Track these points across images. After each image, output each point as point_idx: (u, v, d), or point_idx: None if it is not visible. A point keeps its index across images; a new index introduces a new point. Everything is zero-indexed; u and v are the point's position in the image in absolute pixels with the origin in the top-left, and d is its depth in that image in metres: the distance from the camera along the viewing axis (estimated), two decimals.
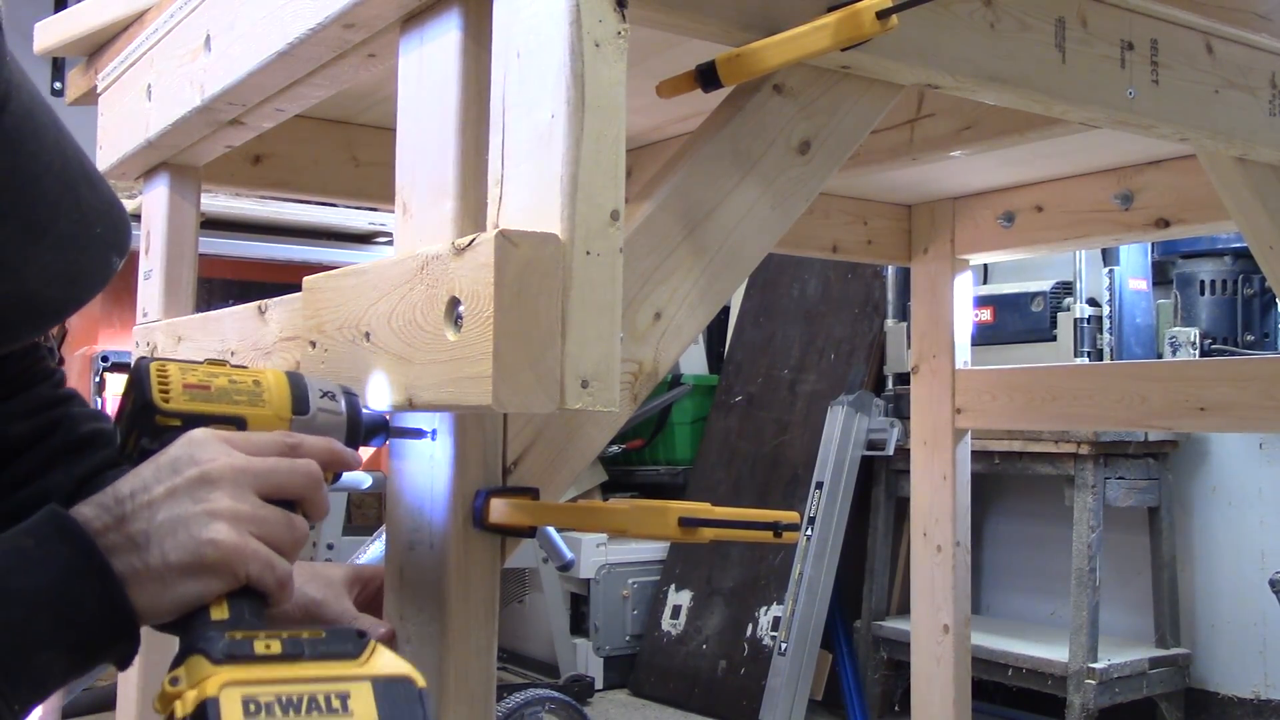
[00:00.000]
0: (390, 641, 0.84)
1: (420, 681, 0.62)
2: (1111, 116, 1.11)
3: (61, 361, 3.05)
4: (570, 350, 0.68)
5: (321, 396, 0.79)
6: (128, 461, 0.74)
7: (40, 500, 0.96)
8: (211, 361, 0.79)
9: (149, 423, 0.74)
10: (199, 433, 0.72)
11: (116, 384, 2.86)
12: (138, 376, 0.75)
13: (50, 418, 1.01)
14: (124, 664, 0.69)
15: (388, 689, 0.60)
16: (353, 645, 0.62)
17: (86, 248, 0.70)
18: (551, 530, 3.09)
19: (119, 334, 3.09)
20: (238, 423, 0.76)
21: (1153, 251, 3.34)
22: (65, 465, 0.98)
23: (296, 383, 0.79)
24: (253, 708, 0.57)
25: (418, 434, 0.84)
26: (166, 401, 0.74)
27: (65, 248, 0.68)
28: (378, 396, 0.80)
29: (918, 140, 1.46)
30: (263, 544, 0.69)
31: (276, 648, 0.61)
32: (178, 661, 0.62)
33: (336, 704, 0.59)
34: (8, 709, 0.62)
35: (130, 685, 1.47)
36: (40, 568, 0.65)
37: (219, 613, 0.67)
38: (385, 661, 0.62)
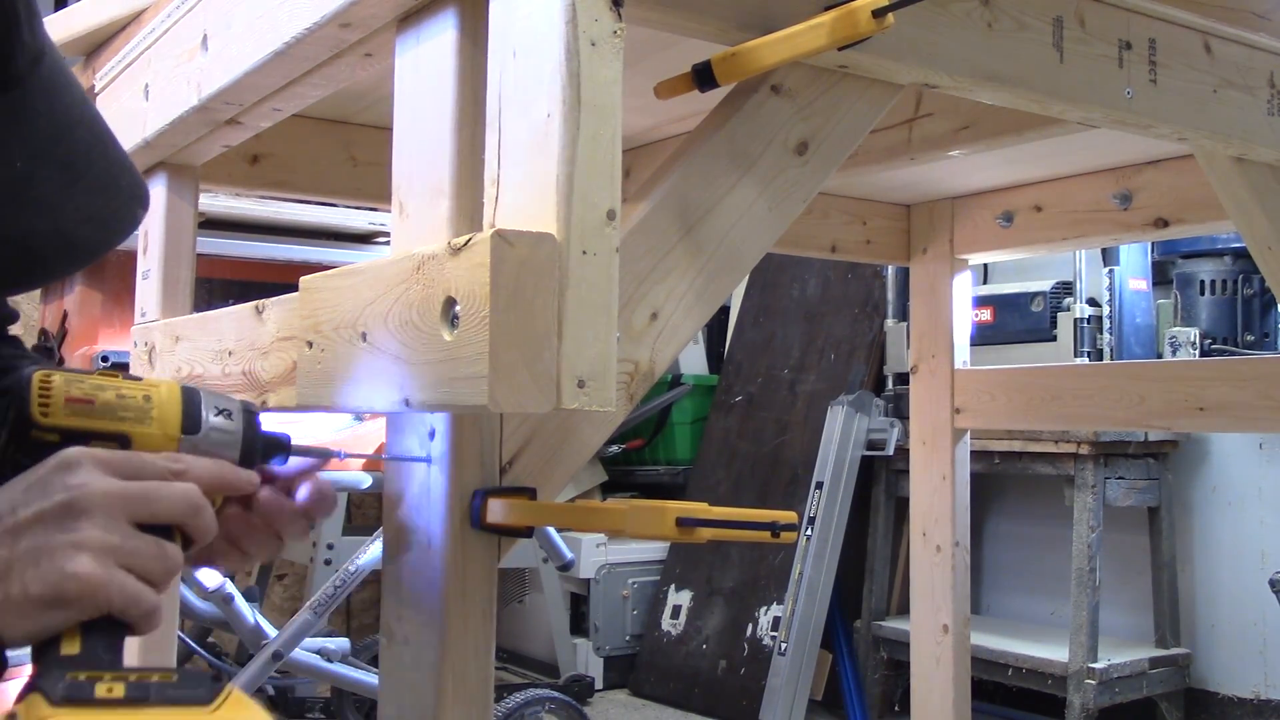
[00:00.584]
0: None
1: None
2: (1109, 116, 1.11)
3: (61, 361, 3.06)
4: (566, 350, 0.68)
5: (217, 414, 0.77)
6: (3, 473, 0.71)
7: None
8: (104, 372, 0.76)
9: (25, 438, 0.71)
10: (72, 452, 0.69)
11: None
12: (17, 390, 0.73)
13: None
14: None
15: None
16: (205, 690, 0.59)
17: (116, 195, 0.71)
18: (551, 530, 3.09)
19: (119, 334, 3.09)
20: (121, 440, 0.73)
21: (1153, 251, 3.34)
22: None
23: (190, 399, 0.76)
24: None
25: (323, 455, 0.82)
26: (45, 416, 0.72)
27: (97, 193, 0.69)
28: (375, 397, 0.80)
29: (916, 140, 1.46)
30: (130, 576, 0.67)
31: (120, 691, 0.58)
32: (19, 697, 0.59)
33: None
34: None
35: None
36: None
37: (70, 646, 0.64)
38: (237, 712, 0.59)
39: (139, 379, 0.76)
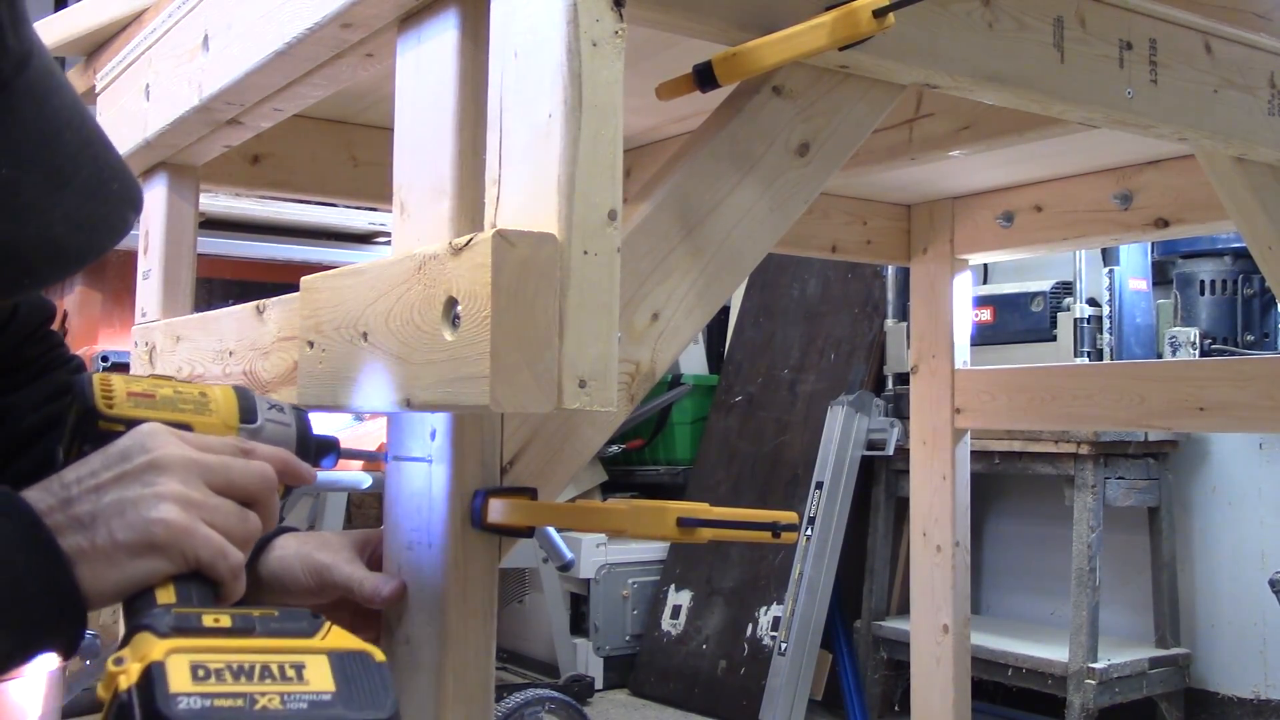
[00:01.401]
0: (401, 595, 0.83)
1: (379, 656, 0.60)
2: (1110, 116, 1.11)
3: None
4: (568, 350, 0.68)
5: (270, 409, 0.79)
6: None
7: None
8: (156, 376, 0.78)
9: (92, 428, 0.73)
10: (151, 425, 0.71)
11: None
12: (79, 387, 0.74)
13: (59, 407, 1.00)
14: (69, 649, 0.67)
15: (345, 660, 0.59)
16: (307, 624, 0.61)
17: (105, 200, 0.71)
18: (551, 530, 3.09)
19: (119, 334, 3.09)
20: (184, 429, 0.74)
21: (1153, 251, 3.34)
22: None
23: (244, 395, 0.78)
24: (201, 673, 0.55)
25: (370, 456, 0.84)
26: (110, 407, 0.73)
27: (86, 198, 0.70)
28: (376, 397, 0.80)
29: (917, 140, 1.46)
30: (214, 531, 0.68)
31: (226, 622, 0.59)
32: (123, 643, 0.60)
33: (291, 673, 0.57)
34: None
35: None
36: None
37: (165, 596, 0.65)
38: (343, 638, 0.60)
39: (190, 382, 0.79)
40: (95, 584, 0.65)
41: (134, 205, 0.74)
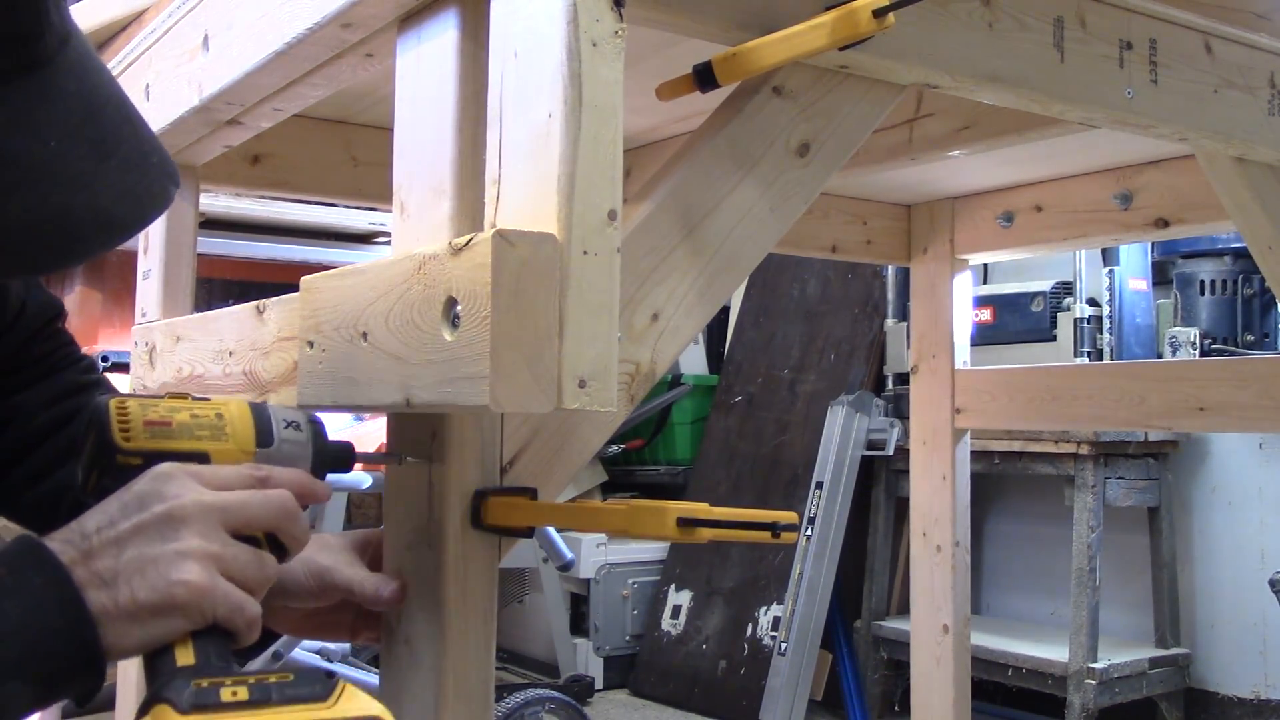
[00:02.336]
0: (402, 596, 0.84)
1: (389, 719, 0.61)
2: (1110, 116, 1.11)
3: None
4: (567, 350, 0.68)
5: (285, 427, 0.79)
6: (90, 500, 0.73)
7: (59, 494, 0.97)
8: (173, 395, 0.78)
9: (110, 462, 0.73)
10: (166, 467, 0.71)
11: (116, 384, 2.87)
12: (97, 416, 0.75)
13: (68, 407, 1.01)
14: (86, 700, 0.68)
15: None
16: (321, 687, 0.61)
17: (147, 171, 0.72)
18: (551, 530, 3.09)
19: (119, 334, 3.09)
20: (200, 458, 0.75)
21: (1153, 251, 3.34)
22: (78, 458, 0.98)
23: (260, 414, 0.78)
24: None
25: (386, 459, 0.84)
26: (128, 440, 0.73)
27: (129, 170, 0.71)
28: (376, 397, 0.80)
29: (917, 140, 1.46)
30: (233, 585, 0.68)
31: (244, 694, 0.60)
32: (144, 710, 0.61)
33: None
34: None
35: (129, 685, 1.47)
36: (12, 595, 0.64)
37: (184, 656, 0.66)
38: (354, 703, 0.61)
39: (206, 399, 0.78)
40: (117, 642, 0.66)
41: (173, 179, 0.75)
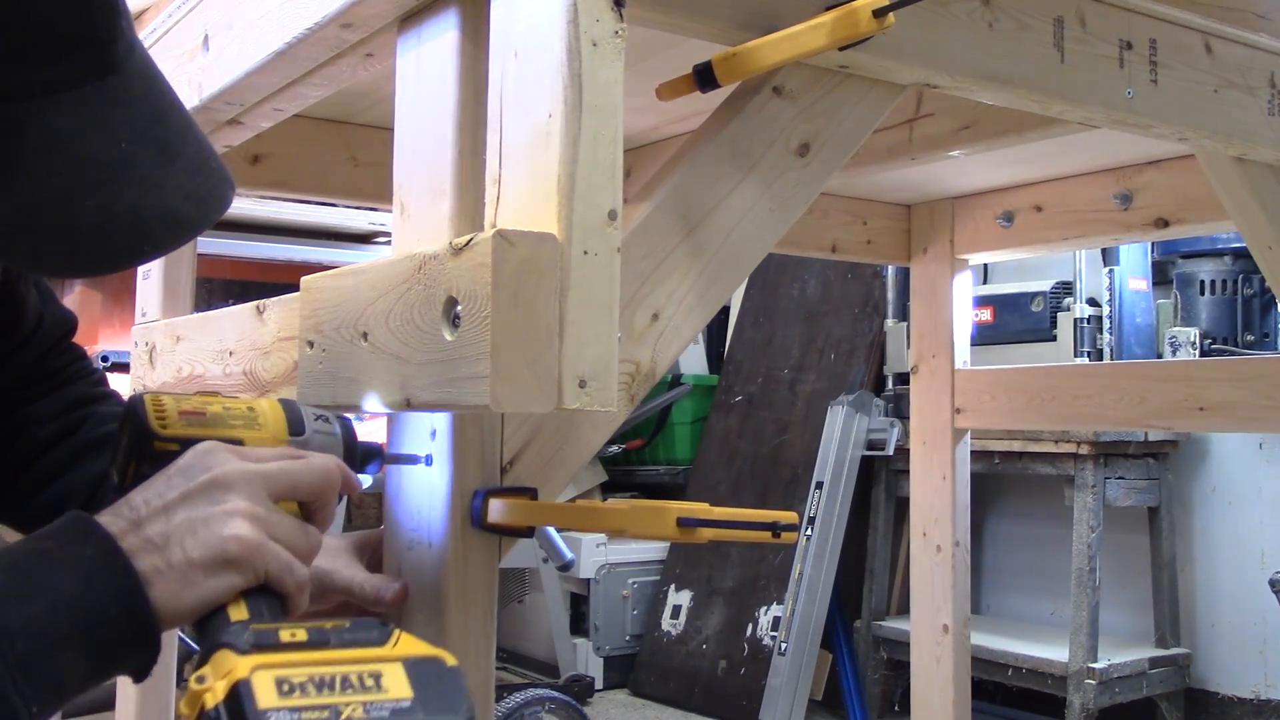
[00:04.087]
0: (404, 598, 0.84)
1: (451, 660, 0.61)
2: (1110, 116, 1.11)
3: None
4: (568, 350, 0.68)
5: (316, 419, 0.80)
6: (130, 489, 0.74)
7: (61, 502, 0.97)
8: (203, 393, 0.79)
9: (148, 449, 0.74)
10: (206, 444, 0.73)
11: (117, 384, 2.87)
12: (132, 409, 0.76)
13: (76, 417, 1.02)
14: (142, 674, 0.68)
15: (419, 667, 0.60)
16: (378, 633, 0.62)
17: (209, 175, 0.75)
18: (551, 530, 3.09)
19: (119, 334, 3.09)
20: (236, 444, 0.75)
21: (1153, 251, 3.34)
22: (82, 464, 0.99)
23: (290, 408, 0.80)
24: (286, 687, 0.57)
25: (412, 460, 0.84)
26: (164, 428, 0.75)
27: (193, 173, 0.73)
28: (376, 397, 0.80)
29: (917, 140, 1.46)
30: (280, 545, 0.70)
31: (302, 636, 0.61)
32: (202, 661, 0.61)
33: (370, 682, 0.59)
34: (26, 710, 0.61)
35: (129, 685, 1.47)
36: (63, 567, 0.65)
37: (238, 613, 0.67)
38: (413, 645, 0.62)
39: (235, 398, 0.80)
40: (172, 603, 0.66)
41: (230, 183, 0.77)
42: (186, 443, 0.74)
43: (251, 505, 0.70)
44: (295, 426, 0.79)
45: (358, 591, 0.86)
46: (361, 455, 0.82)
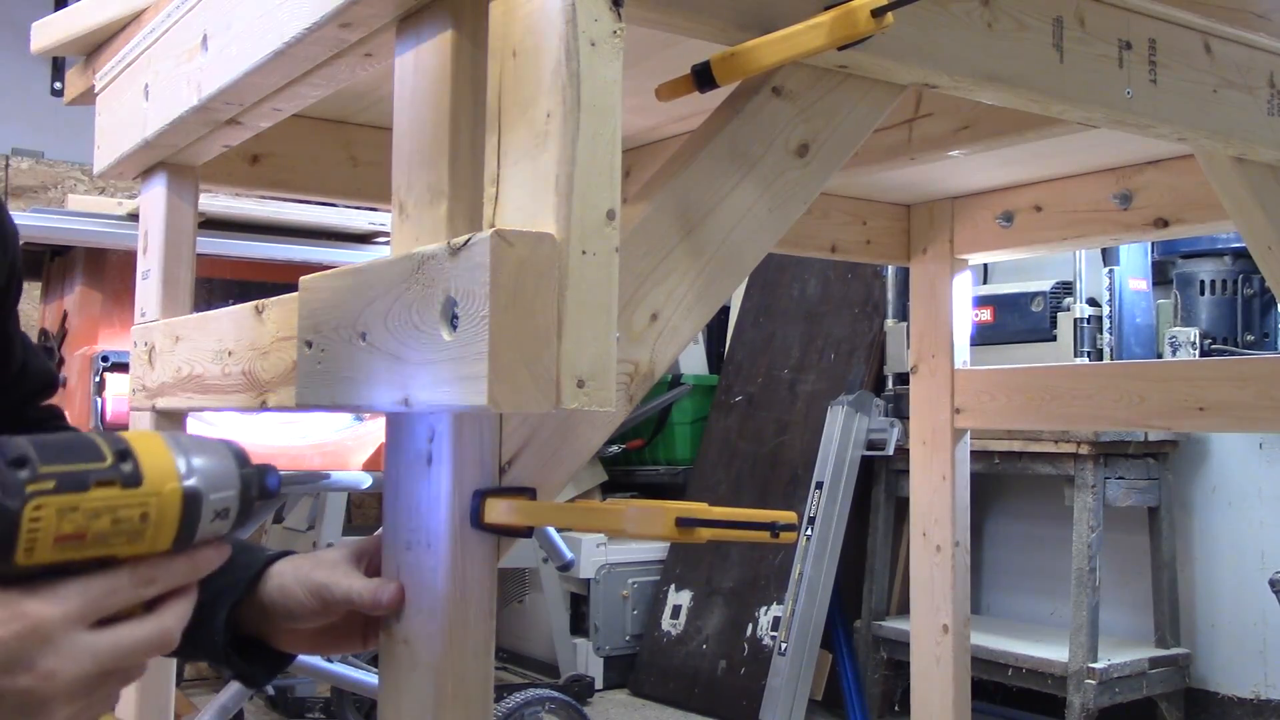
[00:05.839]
0: (401, 597, 0.83)
1: None
2: (1109, 116, 1.11)
3: (61, 362, 3.06)
4: (566, 350, 0.68)
5: (214, 519, 0.72)
6: None
7: None
8: (100, 481, 0.68)
9: (10, 570, 0.66)
10: (50, 622, 0.65)
11: (117, 384, 2.86)
12: (6, 526, 0.65)
13: None
14: None
15: None
16: None
17: None
18: (551, 530, 3.09)
19: (119, 334, 3.09)
20: (105, 562, 0.69)
21: (1153, 251, 3.34)
22: None
23: (191, 511, 0.71)
24: None
25: (312, 478, 0.80)
26: (30, 556, 0.66)
27: None
28: (375, 397, 0.80)
29: (916, 140, 1.46)
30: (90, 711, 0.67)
31: None
32: None
33: None
34: None
35: (130, 686, 1.46)
36: None
37: None
38: None
39: (135, 479, 0.69)
40: None
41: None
42: (50, 568, 0.67)
43: (75, 708, 0.66)
44: (182, 539, 0.71)
45: (356, 599, 0.85)
46: (256, 511, 0.77)
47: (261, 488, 0.76)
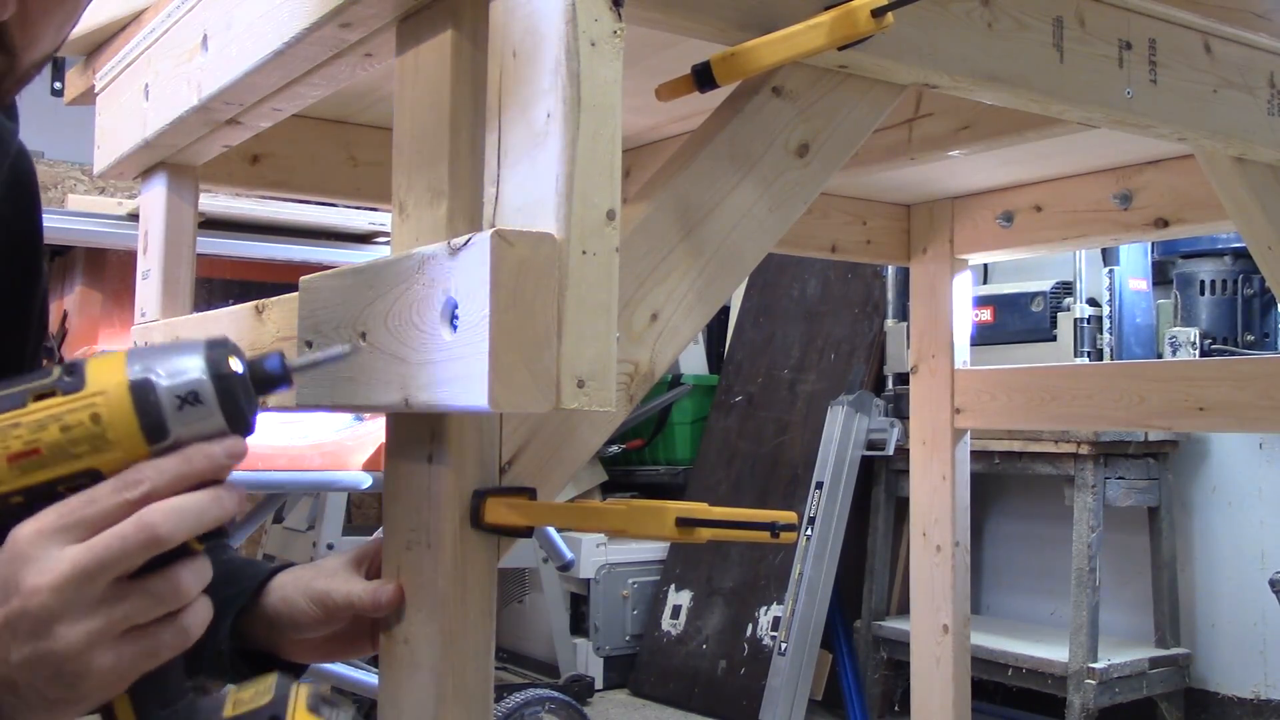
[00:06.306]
0: (400, 596, 0.83)
1: None
2: (1109, 116, 1.11)
3: (61, 361, 3.06)
4: (566, 350, 0.68)
5: (181, 407, 0.66)
6: None
7: None
8: (38, 395, 0.65)
9: None
10: (24, 538, 0.63)
11: None
12: None
13: None
14: None
15: None
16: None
17: None
18: (551, 530, 3.09)
19: (119, 334, 3.09)
20: (91, 475, 0.66)
21: (1153, 251, 3.34)
22: None
23: (143, 399, 0.66)
24: None
25: (335, 358, 0.75)
26: None
27: None
28: (375, 397, 0.80)
29: (916, 140, 1.46)
30: (135, 645, 0.65)
31: None
32: None
33: None
34: None
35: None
36: None
37: (123, 711, 0.64)
38: None
39: (77, 385, 0.65)
40: None
41: None
42: (30, 492, 0.64)
43: (86, 628, 0.62)
44: (153, 432, 0.66)
45: (356, 603, 0.85)
46: (257, 396, 0.70)
47: (259, 369, 0.70)
